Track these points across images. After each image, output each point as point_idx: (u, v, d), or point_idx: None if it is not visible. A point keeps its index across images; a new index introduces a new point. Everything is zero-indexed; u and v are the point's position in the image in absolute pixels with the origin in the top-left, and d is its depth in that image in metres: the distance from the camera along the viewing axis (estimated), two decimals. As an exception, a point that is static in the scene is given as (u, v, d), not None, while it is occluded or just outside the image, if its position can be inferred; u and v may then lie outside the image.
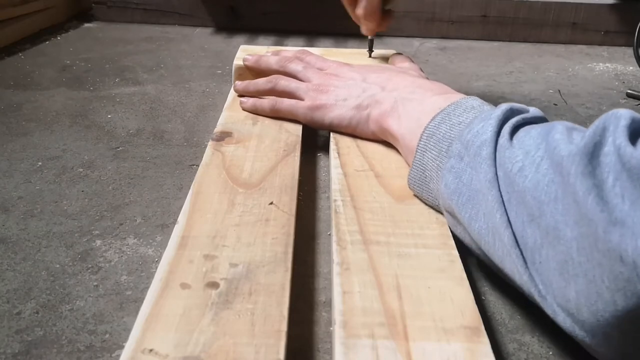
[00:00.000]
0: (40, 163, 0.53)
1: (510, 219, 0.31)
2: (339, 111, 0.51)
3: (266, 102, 0.56)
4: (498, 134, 0.34)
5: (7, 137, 0.58)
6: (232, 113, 0.56)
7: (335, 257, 0.35)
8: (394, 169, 0.46)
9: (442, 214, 0.40)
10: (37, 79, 0.76)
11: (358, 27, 0.64)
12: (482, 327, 0.30)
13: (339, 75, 0.53)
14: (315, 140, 0.58)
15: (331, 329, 0.32)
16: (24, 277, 0.37)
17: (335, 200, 0.41)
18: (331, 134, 0.52)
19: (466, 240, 0.37)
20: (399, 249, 0.36)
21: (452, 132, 0.39)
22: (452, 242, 0.37)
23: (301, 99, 0.54)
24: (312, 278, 0.38)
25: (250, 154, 0.48)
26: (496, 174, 0.33)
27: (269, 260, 0.34)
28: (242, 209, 0.39)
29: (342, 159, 0.47)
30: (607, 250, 0.25)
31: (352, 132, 0.51)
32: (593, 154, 0.27)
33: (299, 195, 0.43)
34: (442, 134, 0.39)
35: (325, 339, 0.33)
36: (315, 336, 0.33)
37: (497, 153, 0.34)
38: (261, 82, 0.57)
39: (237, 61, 0.63)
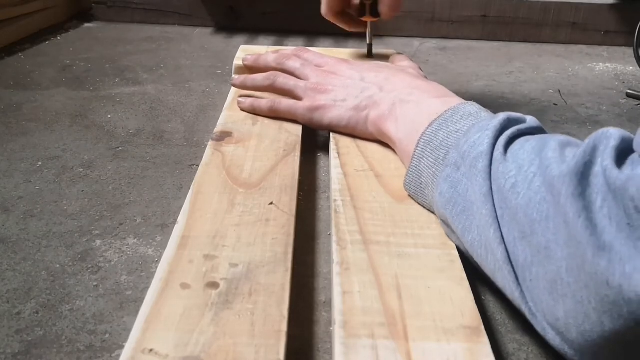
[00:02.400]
0: (40, 163, 0.53)
1: (504, 235, 0.31)
2: (338, 112, 0.51)
3: (264, 102, 0.55)
4: (494, 146, 0.34)
5: (7, 137, 0.58)
6: (232, 113, 0.56)
7: (335, 257, 0.35)
8: (393, 169, 0.46)
9: (441, 214, 0.40)
10: (37, 79, 0.76)
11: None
12: (482, 327, 0.30)
13: (337, 73, 0.53)
14: (315, 140, 0.58)
15: (331, 329, 0.32)
16: (24, 277, 0.37)
17: (335, 200, 0.41)
18: (331, 134, 0.52)
19: (461, 248, 0.37)
20: (399, 249, 0.36)
21: (449, 140, 0.38)
22: (452, 242, 0.37)
23: (299, 98, 0.54)
24: (312, 278, 0.38)
25: (250, 154, 0.48)
26: (491, 188, 0.33)
27: (269, 260, 0.34)
28: (242, 209, 0.39)
29: (342, 159, 0.47)
30: (595, 273, 0.25)
31: (351, 132, 0.51)
32: (583, 174, 0.27)
33: (299, 195, 0.43)
34: (439, 142, 0.39)
35: (325, 339, 0.33)
36: (315, 336, 0.33)
37: (492, 166, 0.33)
38: (260, 78, 0.57)
39: (237, 61, 0.63)
